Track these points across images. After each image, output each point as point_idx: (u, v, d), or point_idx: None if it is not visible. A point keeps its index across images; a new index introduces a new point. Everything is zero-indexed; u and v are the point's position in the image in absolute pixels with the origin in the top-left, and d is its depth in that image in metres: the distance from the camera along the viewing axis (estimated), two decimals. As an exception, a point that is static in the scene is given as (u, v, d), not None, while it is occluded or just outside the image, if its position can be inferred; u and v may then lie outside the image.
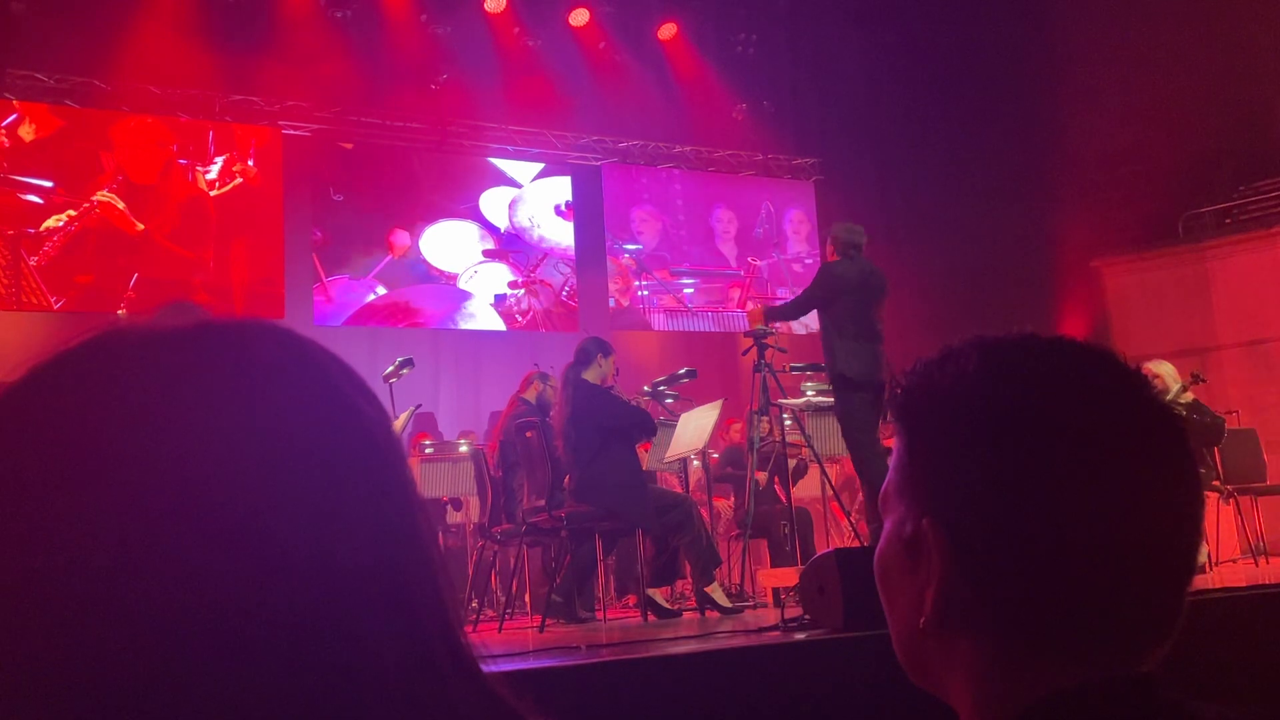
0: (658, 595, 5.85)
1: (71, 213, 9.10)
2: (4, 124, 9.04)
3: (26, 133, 9.12)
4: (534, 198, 11.29)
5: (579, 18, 11.10)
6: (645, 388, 7.90)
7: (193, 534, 0.46)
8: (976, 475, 0.70)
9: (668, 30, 11.57)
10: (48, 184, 9.10)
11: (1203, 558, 6.49)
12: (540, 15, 10.89)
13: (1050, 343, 0.75)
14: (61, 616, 0.45)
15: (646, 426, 6.04)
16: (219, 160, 9.80)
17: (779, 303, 11.70)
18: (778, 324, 6.50)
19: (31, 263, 8.91)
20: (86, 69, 9.24)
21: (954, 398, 0.73)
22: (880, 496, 0.79)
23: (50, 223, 9.04)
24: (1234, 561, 7.55)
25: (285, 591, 0.47)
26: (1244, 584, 4.66)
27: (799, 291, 6.83)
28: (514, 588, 6.86)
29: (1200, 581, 5.30)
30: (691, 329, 11.76)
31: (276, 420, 0.50)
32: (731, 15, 11.90)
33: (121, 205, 9.26)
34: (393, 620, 0.50)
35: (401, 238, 10.52)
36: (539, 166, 11.36)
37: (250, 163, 9.91)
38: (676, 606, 6.09)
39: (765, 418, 6.43)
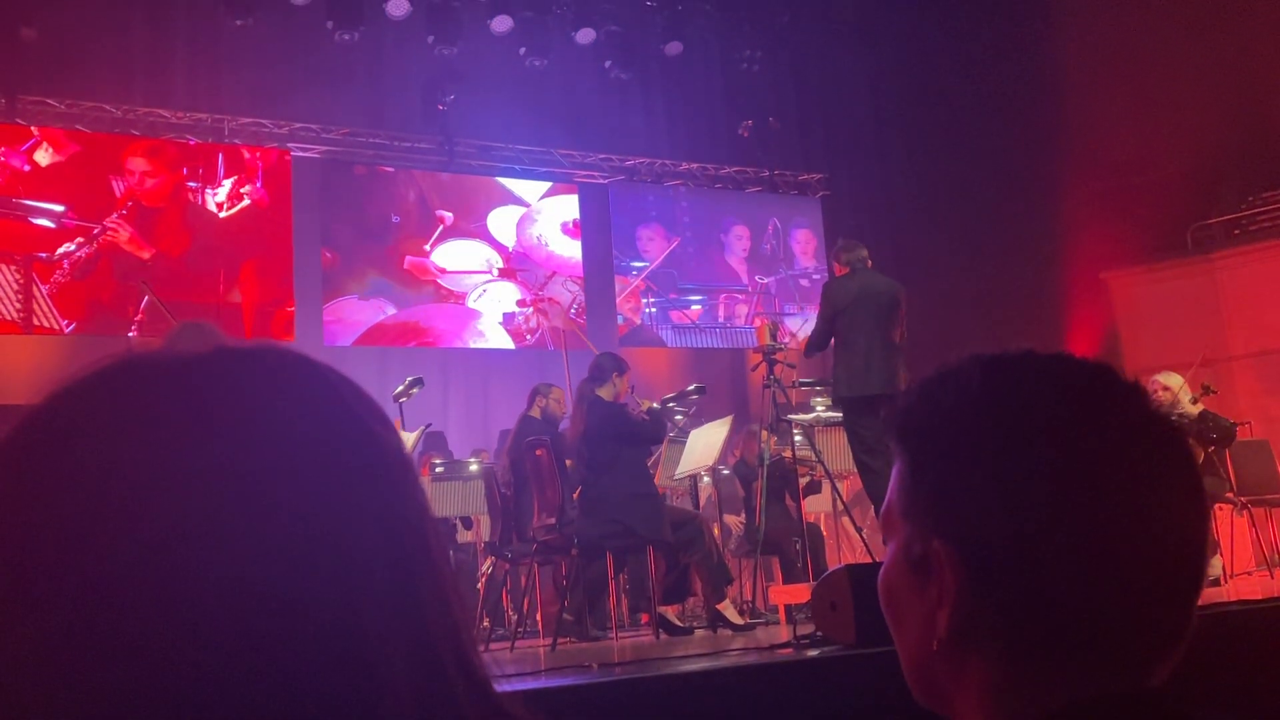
0: (669, 613, 5.84)
1: (81, 240, 9.15)
2: (22, 149, 9.11)
3: (43, 157, 9.19)
4: (541, 216, 11.32)
5: (585, 37, 11.15)
6: (654, 404, 7.91)
7: (209, 555, 0.47)
8: (987, 495, 0.70)
9: (673, 48, 11.61)
10: (59, 208, 9.16)
11: (1217, 570, 6.46)
12: (546, 35, 10.94)
13: (1050, 359, 0.75)
14: (78, 635, 0.45)
15: (658, 435, 6.07)
16: (227, 182, 9.85)
17: (787, 318, 11.73)
18: (786, 340, 6.50)
19: (44, 290, 8.95)
20: (97, 94, 9.31)
21: (959, 417, 0.73)
22: (882, 516, 0.79)
23: (61, 250, 9.09)
24: (1249, 574, 7.51)
25: (298, 611, 0.48)
26: (1259, 596, 4.62)
27: (806, 307, 6.84)
28: (525, 606, 6.85)
29: (1215, 594, 5.28)
30: (700, 345, 11.77)
31: (290, 443, 0.51)
32: (736, 32, 11.93)
33: (126, 235, 9.30)
34: (406, 640, 0.51)
35: (410, 258, 10.56)
36: (546, 185, 11.40)
37: (258, 184, 9.97)
38: (688, 624, 6.07)
39: (774, 434, 6.43)
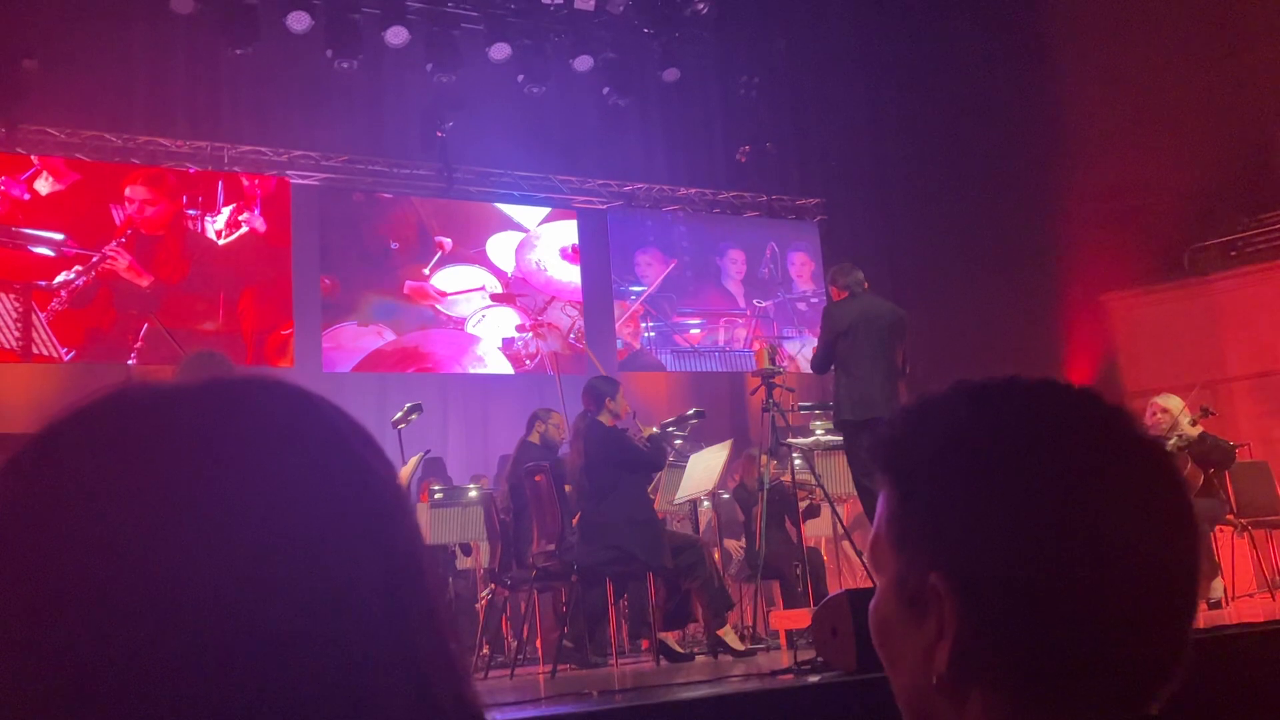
0: (670, 639, 5.81)
1: (80, 269, 9.17)
2: (22, 178, 9.14)
3: (43, 186, 9.22)
4: (540, 242, 11.35)
5: (583, 64, 11.22)
6: (654, 429, 7.90)
7: (199, 585, 0.47)
8: (982, 527, 0.70)
9: (670, 74, 11.68)
10: (59, 237, 9.18)
11: (1218, 593, 6.44)
12: (544, 62, 11.01)
13: (1036, 385, 0.75)
14: (71, 657, 0.45)
15: (658, 461, 6.06)
16: (226, 210, 9.89)
17: (785, 341, 11.75)
18: (785, 364, 6.51)
19: (42, 317, 8.97)
20: (97, 123, 9.35)
21: (949, 447, 0.72)
22: (870, 549, 0.78)
23: (61, 278, 9.11)
24: (1250, 596, 7.47)
25: (290, 641, 0.48)
26: (1260, 619, 4.60)
27: (805, 330, 6.85)
28: (525, 633, 6.82)
29: (1216, 617, 5.26)
30: (699, 369, 11.77)
31: (286, 478, 0.51)
32: (733, 58, 12.01)
33: (124, 263, 9.32)
34: (399, 673, 0.51)
35: (410, 283, 10.57)
36: (545, 211, 11.44)
37: (257, 211, 10.00)
38: (689, 650, 6.04)
39: (773, 458, 6.42)
